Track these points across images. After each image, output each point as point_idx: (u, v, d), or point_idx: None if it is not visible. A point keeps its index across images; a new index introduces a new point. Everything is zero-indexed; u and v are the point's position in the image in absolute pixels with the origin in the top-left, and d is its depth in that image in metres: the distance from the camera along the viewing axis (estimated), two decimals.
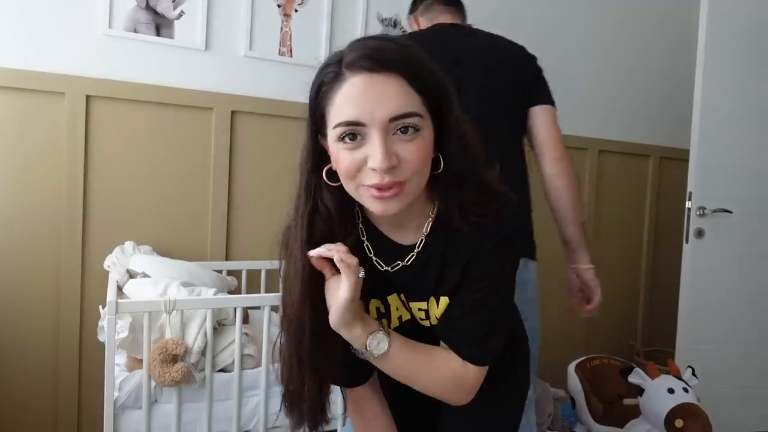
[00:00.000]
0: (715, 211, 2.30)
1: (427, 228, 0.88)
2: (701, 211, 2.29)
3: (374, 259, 0.91)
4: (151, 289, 1.68)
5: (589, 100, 2.92)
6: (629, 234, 3.11)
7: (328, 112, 0.79)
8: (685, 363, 2.16)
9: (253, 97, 2.21)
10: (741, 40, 2.31)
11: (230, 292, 2.06)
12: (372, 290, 0.91)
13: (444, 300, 0.90)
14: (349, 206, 0.87)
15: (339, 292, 0.82)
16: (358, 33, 2.35)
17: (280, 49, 2.24)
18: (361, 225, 0.91)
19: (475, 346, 0.88)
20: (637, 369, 2.00)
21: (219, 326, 1.67)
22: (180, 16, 2.08)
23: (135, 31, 2.02)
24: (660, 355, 2.84)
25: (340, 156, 0.78)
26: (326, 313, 0.85)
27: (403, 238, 0.90)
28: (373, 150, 0.76)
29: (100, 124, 2.00)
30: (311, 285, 0.86)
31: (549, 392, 2.35)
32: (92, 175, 2.00)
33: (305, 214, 0.86)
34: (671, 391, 1.87)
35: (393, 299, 0.94)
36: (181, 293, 1.64)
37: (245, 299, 1.68)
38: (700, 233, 2.30)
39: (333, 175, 0.83)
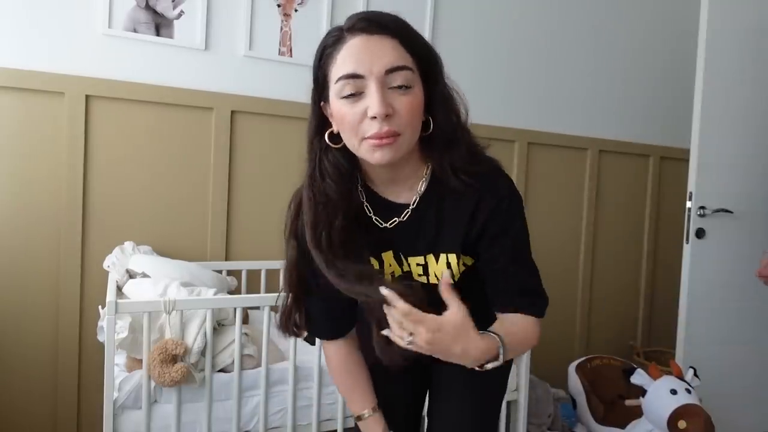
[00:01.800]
0: (715, 211, 2.30)
1: (421, 187, 0.97)
2: (702, 211, 2.29)
3: (374, 217, 0.99)
4: (150, 289, 1.68)
5: (590, 100, 2.92)
6: (629, 234, 3.11)
7: (330, 71, 0.89)
8: (685, 363, 2.16)
9: (252, 97, 2.20)
10: (741, 40, 2.31)
11: (230, 292, 2.06)
12: (370, 247, 0.98)
13: (447, 257, 0.97)
14: (350, 169, 0.95)
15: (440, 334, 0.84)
16: None
17: (279, 49, 2.24)
18: (360, 188, 0.99)
19: (527, 298, 0.97)
20: (639, 370, 1.99)
21: (219, 326, 1.66)
22: (180, 15, 2.08)
23: (135, 30, 2.02)
24: (660, 356, 2.84)
25: (343, 111, 0.87)
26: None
27: (398, 197, 0.99)
28: (372, 100, 0.84)
29: (99, 124, 1.99)
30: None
31: (549, 392, 2.35)
32: (92, 175, 1.99)
33: (313, 172, 0.94)
34: (674, 391, 1.87)
35: (387, 256, 1.01)
36: (180, 293, 1.64)
37: (245, 299, 1.68)
38: (700, 233, 2.30)
39: (335, 138, 0.92)
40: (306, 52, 2.28)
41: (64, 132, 1.94)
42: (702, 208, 2.29)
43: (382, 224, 0.99)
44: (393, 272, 1.03)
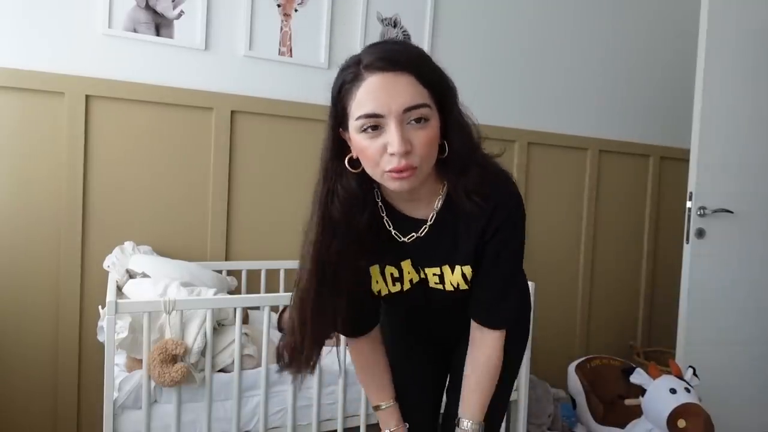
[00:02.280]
0: (715, 211, 2.30)
1: (437, 204, 1.04)
2: (702, 211, 2.29)
3: (393, 231, 1.06)
4: (150, 289, 1.68)
5: (590, 100, 2.92)
6: (629, 234, 3.11)
7: (350, 107, 0.93)
8: (686, 363, 2.16)
9: (252, 97, 2.20)
10: (741, 40, 2.31)
11: (230, 293, 2.06)
12: (389, 258, 1.07)
13: (462, 269, 1.05)
14: (368, 188, 1.02)
15: None
16: (358, 33, 2.35)
17: (279, 49, 2.24)
18: (380, 203, 1.06)
19: (504, 317, 1.10)
20: (638, 369, 2.00)
21: (219, 326, 1.66)
22: (180, 15, 2.08)
23: (135, 30, 2.02)
24: (660, 355, 2.84)
25: (364, 145, 0.92)
26: (336, 281, 1.01)
27: (416, 213, 1.05)
28: (392, 137, 0.89)
29: (99, 124, 1.99)
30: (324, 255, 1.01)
31: (549, 392, 2.35)
32: (92, 175, 1.99)
33: (323, 196, 1.01)
34: (673, 391, 1.87)
35: (406, 264, 1.09)
36: (180, 293, 1.64)
37: (245, 299, 1.68)
38: (700, 233, 2.30)
39: (353, 162, 0.98)
40: (306, 52, 2.28)
41: (64, 132, 1.94)
42: (702, 208, 2.29)
43: (400, 239, 1.06)
44: (411, 279, 1.10)
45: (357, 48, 2.34)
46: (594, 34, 2.92)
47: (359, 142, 0.93)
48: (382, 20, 2.39)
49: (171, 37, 2.07)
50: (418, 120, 0.90)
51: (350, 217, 0.99)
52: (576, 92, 2.89)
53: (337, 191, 0.99)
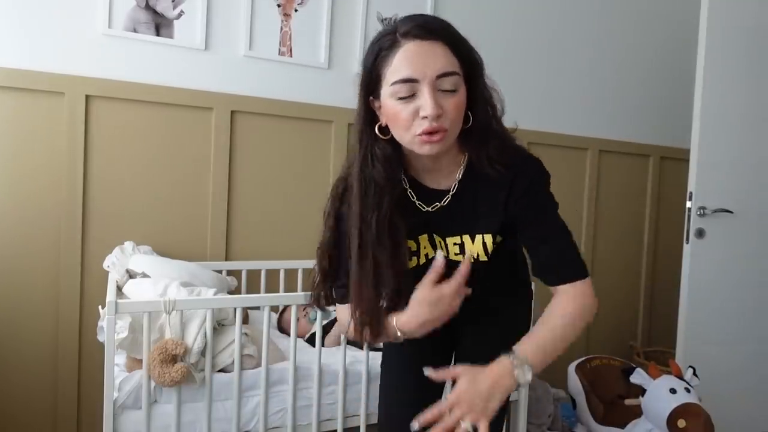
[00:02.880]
0: (715, 211, 2.30)
1: (459, 174, 1.08)
2: (702, 211, 2.29)
3: (417, 202, 1.09)
4: (150, 289, 1.68)
5: (589, 100, 2.92)
6: (629, 234, 3.11)
7: (385, 73, 0.97)
8: (686, 363, 2.15)
9: (252, 96, 2.20)
10: (741, 40, 2.31)
11: (230, 292, 2.06)
12: (410, 231, 1.08)
13: (483, 237, 1.08)
14: (397, 157, 1.05)
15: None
16: (358, 33, 2.34)
17: (279, 49, 2.24)
18: (403, 176, 1.09)
19: (572, 266, 1.05)
20: (638, 369, 1.99)
21: (219, 326, 1.66)
22: (180, 15, 2.08)
23: (135, 30, 2.02)
24: (660, 356, 2.84)
25: (397, 109, 0.96)
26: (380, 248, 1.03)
27: (439, 184, 1.09)
28: (425, 101, 0.94)
29: (99, 124, 1.99)
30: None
31: (549, 392, 2.35)
32: (92, 175, 1.99)
33: (362, 161, 1.03)
34: (673, 391, 1.87)
35: (423, 239, 1.12)
36: (180, 293, 1.64)
37: (245, 299, 1.68)
38: (700, 233, 2.30)
39: (383, 130, 1.01)
40: (306, 52, 2.28)
41: (64, 132, 1.94)
42: (702, 208, 2.29)
43: (424, 208, 1.10)
44: (427, 254, 1.13)
45: (357, 48, 2.34)
46: (594, 34, 2.91)
47: (392, 107, 0.96)
48: (382, 20, 2.39)
49: (171, 37, 2.07)
50: (448, 90, 0.95)
51: (392, 179, 1.03)
52: (576, 92, 2.89)
53: (376, 154, 1.02)
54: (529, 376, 0.98)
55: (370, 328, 1.08)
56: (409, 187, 1.10)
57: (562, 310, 1.04)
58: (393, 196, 1.03)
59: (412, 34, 0.95)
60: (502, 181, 1.03)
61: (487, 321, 1.24)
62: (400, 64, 0.94)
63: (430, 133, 0.95)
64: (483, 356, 1.22)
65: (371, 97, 1.02)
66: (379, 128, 1.02)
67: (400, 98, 0.95)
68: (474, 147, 1.04)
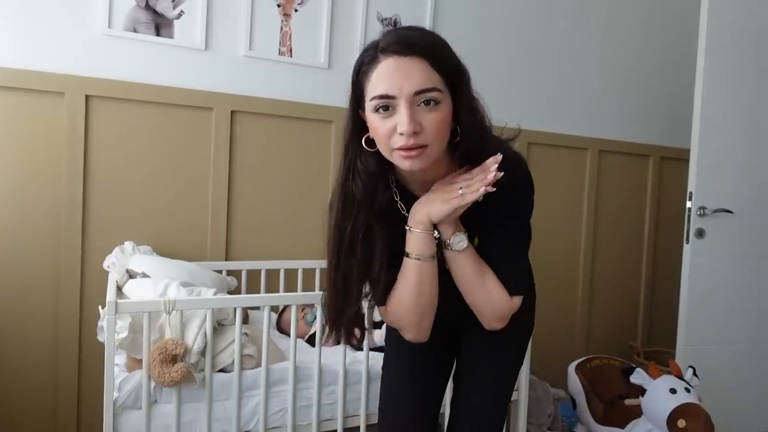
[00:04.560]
0: (715, 211, 2.30)
1: None
2: (702, 211, 2.29)
3: (406, 214, 1.09)
4: (150, 289, 1.68)
5: (589, 100, 2.92)
6: (629, 234, 3.11)
7: (366, 88, 0.97)
8: (686, 363, 2.16)
9: (252, 96, 2.20)
10: (741, 40, 2.31)
11: (230, 292, 2.06)
12: (402, 240, 1.08)
13: (476, 240, 1.09)
14: (384, 171, 1.05)
15: (465, 197, 1.00)
16: (358, 33, 2.34)
17: (279, 49, 2.24)
18: (394, 188, 1.10)
19: (513, 279, 1.07)
20: (638, 369, 1.99)
21: (219, 326, 1.66)
22: (180, 15, 2.08)
23: (135, 30, 2.02)
24: (660, 356, 2.84)
25: (376, 124, 0.97)
26: (371, 251, 1.07)
27: None
28: (401, 118, 0.94)
29: (99, 124, 1.99)
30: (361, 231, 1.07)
31: (549, 392, 2.35)
32: (92, 175, 1.99)
33: (345, 173, 1.04)
34: (673, 391, 1.87)
35: None
36: (180, 293, 1.64)
37: (245, 299, 1.68)
38: (700, 233, 2.30)
39: (370, 142, 1.01)
40: (306, 52, 2.28)
41: (64, 132, 1.94)
42: (702, 208, 2.29)
43: None
44: None
45: (357, 48, 2.34)
46: (594, 34, 2.91)
47: (373, 121, 0.97)
48: (382, 20, 2.39)
49: (171, 37, 2.07)
50: (427, 102, 0.94)
51: (370, 194, 1.04)
52: (576, 92, 2.89)
53: (358, 168, 1.03)
54: (456, 247, 1.06)
55: (335, 335, 1.13)
56: (400, 199, 1.10)
57: (495, 285, 1.06)
58: (372, 210, 1.04)
59: (391, 50, 0.94)
60: (492, 195, 1.01)
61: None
62: (378, 80, 0.95)
63: (408, 149, 0.95)
64: (485, 361, 1.27)
65: (359, 110, 1.02)
66: (366, 140, 1.02)
67: (380, 113, 0.95)
68: (464, 161, 1.04)
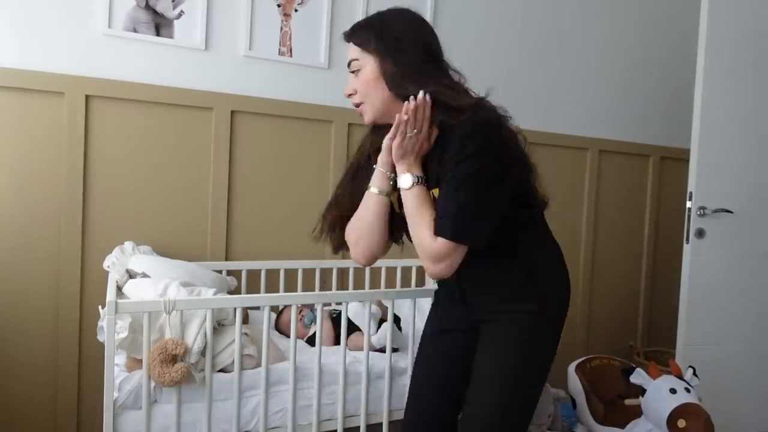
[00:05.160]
0: (715, 211, 2.30)
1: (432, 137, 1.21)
2: (702, 211, 2.29)
3: (374, 166, 1.26)
4: (150, 289, 1.68)
5: (589, 100, 2.92)
6: (629, 234, 3.11)
7: None
8: (686, 363, 2.15)
9: (252, 96, 2.20)
10: (741, 41, 2.31)
11: (230, 292, 2.06)
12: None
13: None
14: (373, 128, 1.32)
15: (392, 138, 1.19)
16: None
17: (279, 49, 2.24)
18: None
19: (440, 221, 1.12)
20: (638, 369, 1.99)
21: (219, 326, 1.66)
22: (180, 15, 2.08)
23: (135, 30, 2.02)
24: (660, 356, 2.84)
25: None
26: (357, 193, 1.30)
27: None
28: None
29: (99, 124, 1.99)
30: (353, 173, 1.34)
31: (549, 393, 2.35)
32: (92, 175, 1.99)
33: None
34: (673, 391, 1.86)
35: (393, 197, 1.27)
36: (180, 293, 1.64)
37: (245, 299, 1.68)
38: (700, 233, 2.30)
39: None
40: (306, 52, 2.28)
41: (64, 132, 1.94)
42: (702, 208, 2.29)
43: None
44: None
45: None
46: (594, 34, 2.91)
47: None
48: None
49: (171, 37, 2.07)
50: (353, 71, 1.23)
51: (362, 145, 1.36)
52: (576, 92, 2.89)
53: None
54: (401, 184, 1.19)
55: (320, 226, 1.36)
56: (373, 155, 1.32)
57: (427, 226, 1.14)
58: (358, 154, 1.35)
59: (344, 35, 1.26)
60: (452, 135, 1.13)
61: (497, 320, 1.24)
62: None
63: (356, 106, 1.25)
64: (478, 370, 1.26)
65: None
66: None
67: None
68: (402, 104, 1.20)
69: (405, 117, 1.14)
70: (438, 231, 1.11)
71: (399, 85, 1.19)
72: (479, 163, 1.09)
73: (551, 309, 1.26)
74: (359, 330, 1.92)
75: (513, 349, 1.22)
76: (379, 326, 1.92)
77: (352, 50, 1.22)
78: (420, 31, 1.24)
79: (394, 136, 1.17)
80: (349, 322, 1.84)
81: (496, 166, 1.11)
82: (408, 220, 1.18)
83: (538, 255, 1.28)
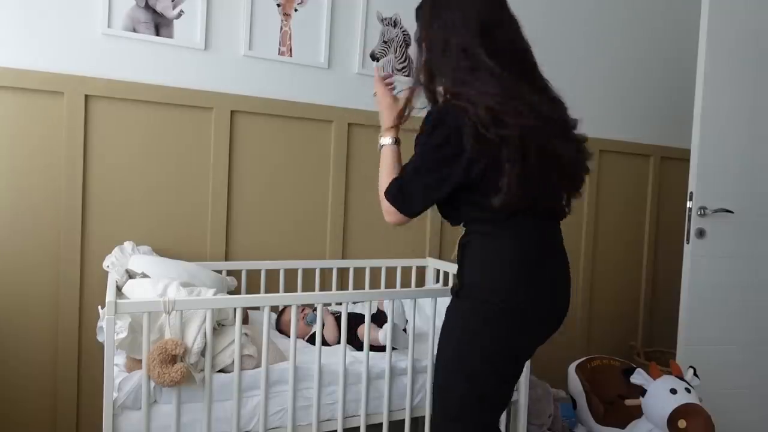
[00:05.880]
0: (716, 211, 2.30)
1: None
2: (702, 211, 2.29)
3: None
4: (150, 289, 1.68)
5: (589, 100, 2.92)
6: (629, 234, 3.11)
7: None
8: (686, 363, 2.15)
9: (252, 96, 2.20)
10: (741, 41, 2.31)
11: (230, 293, 2.05)
12: None
13: None
14: None
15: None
16: (358, 33, 2.34)
17: (279, 49, 2.24)
18: None
19: (389, 185, 1.34)
20: (639, 369, 1.99)
21: (218, 326, 1.66)
22: (179, 15, 2.08)
23: (134, 30, 2.01)
24: (660, 356, 2.84)
25: None
26: None
27: None
28: None
29: (99, 124, 1.99)
30: None
31: (549, 393, 2.35)
32: (91, 175, 1.99)
33: None
34: (673, 391, 1.87)
35: None
36: (180, 293, 1.63)
37: (245, 299, 1.67)
38: (701, 233, 2.30)
39: None
40: (306, 52, 2.28)
41: (64, 132, 1.94)
42: (702, 208, 2.29)
43: None
44: None
45: (357, 48, 2.34)
46: (594, 34, 2.91)
47: None
48: (382, 20, 2.39)
49: (171, 36, 2.07)
50: None
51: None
52: (576, 92, 2.88)
53: None
54: (380, 142, 1.42)
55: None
56: None
57: (385, 184, 1.36)
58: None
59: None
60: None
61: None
62: None
63: None
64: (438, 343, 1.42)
65: None
66: None
67: None
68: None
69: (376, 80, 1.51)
70: (384, 192, 1.34)
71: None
72: (424, 143, 1.30)
73: (484, 297, 1.33)
74: (375, 325, 1.90)
75: (447, 333, 1.37)
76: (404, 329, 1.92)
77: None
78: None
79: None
80: (374, 317, 1.87)
81: (437, 154, 1.28)
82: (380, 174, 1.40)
83: (488, 249, 1.35)
